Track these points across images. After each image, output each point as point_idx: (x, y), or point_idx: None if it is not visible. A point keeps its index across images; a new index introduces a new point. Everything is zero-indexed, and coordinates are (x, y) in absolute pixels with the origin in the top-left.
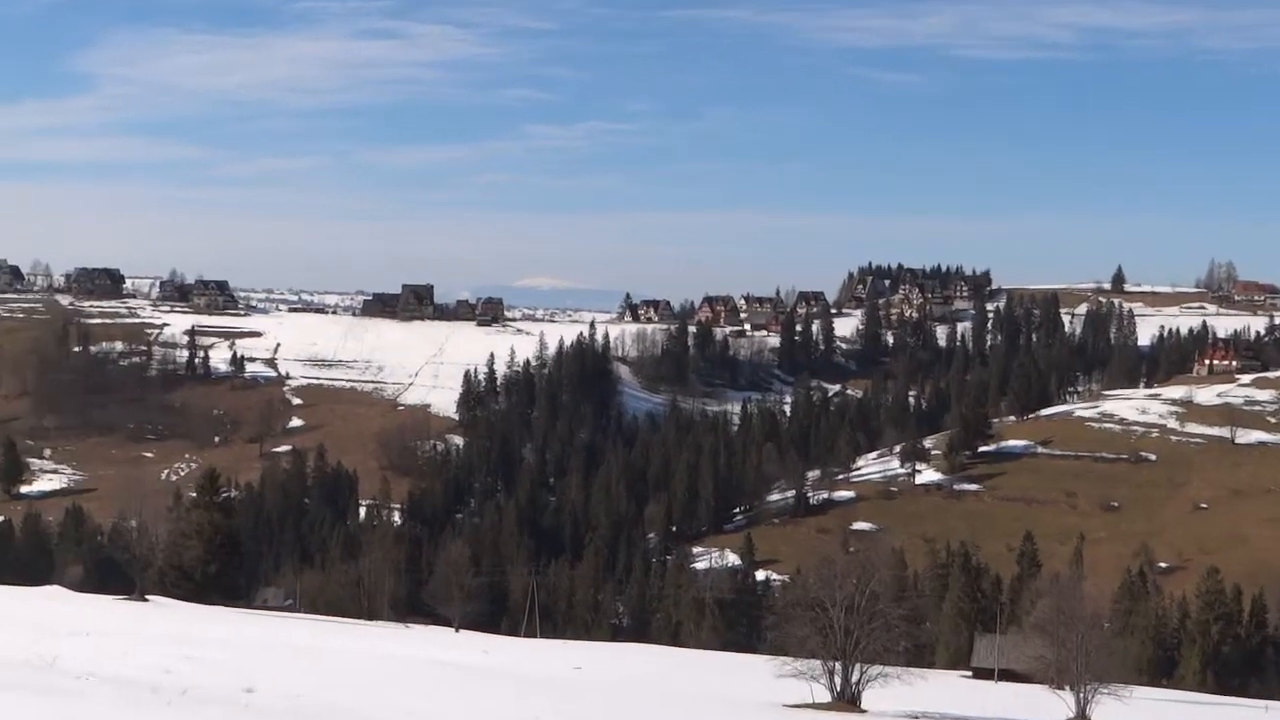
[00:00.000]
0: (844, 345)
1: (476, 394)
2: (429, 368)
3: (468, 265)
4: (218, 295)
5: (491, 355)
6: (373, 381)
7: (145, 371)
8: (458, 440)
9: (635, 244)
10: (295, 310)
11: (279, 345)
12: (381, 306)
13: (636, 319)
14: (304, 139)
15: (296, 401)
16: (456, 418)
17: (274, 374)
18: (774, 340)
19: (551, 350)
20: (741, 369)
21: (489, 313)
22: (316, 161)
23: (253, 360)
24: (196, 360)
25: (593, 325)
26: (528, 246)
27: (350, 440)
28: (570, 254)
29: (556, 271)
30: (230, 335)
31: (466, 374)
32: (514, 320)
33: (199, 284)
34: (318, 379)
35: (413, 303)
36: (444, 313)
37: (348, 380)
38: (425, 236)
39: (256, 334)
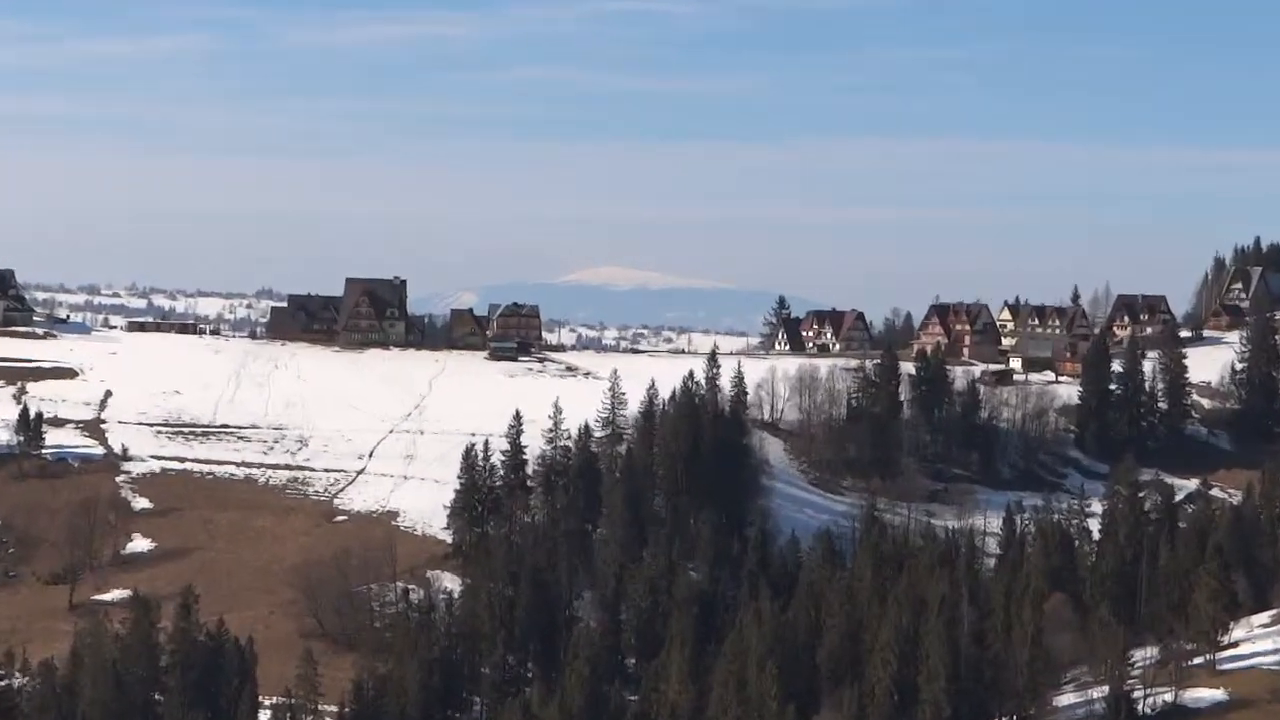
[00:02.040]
0: (1206, 401)
1: (487, 492)
2: (396, 440)
3: (471, 246)
4: None
5: (517, 417)
6: (288, 467)
7: None
8: (451, 582)
9: (792, 203)
10: (140, 328)
11: (109, 394)
12: (306, 321)
13: (798, 347)
14: (161, 3)
15: (142, 504)
16: (449, 539)
17: (99, 450)
18: (1069, 390)
19: (634, 408)
20: (1004, 446)
21: (511, 333)
22: (184, 43)
23: (60, 423)
24: None
25: (714, 358)
26: (585, 209)
27: (244, 580)
28: (667, 225)
29: (641, 258)
30: (18, 374)
31: (468, 453)
32: (561, 351)
33: None
34: (183, 460)
35: (365, 314)
36: (427, 334)
37: (239, 464)
38: (390, 191)
39: (68, 372)
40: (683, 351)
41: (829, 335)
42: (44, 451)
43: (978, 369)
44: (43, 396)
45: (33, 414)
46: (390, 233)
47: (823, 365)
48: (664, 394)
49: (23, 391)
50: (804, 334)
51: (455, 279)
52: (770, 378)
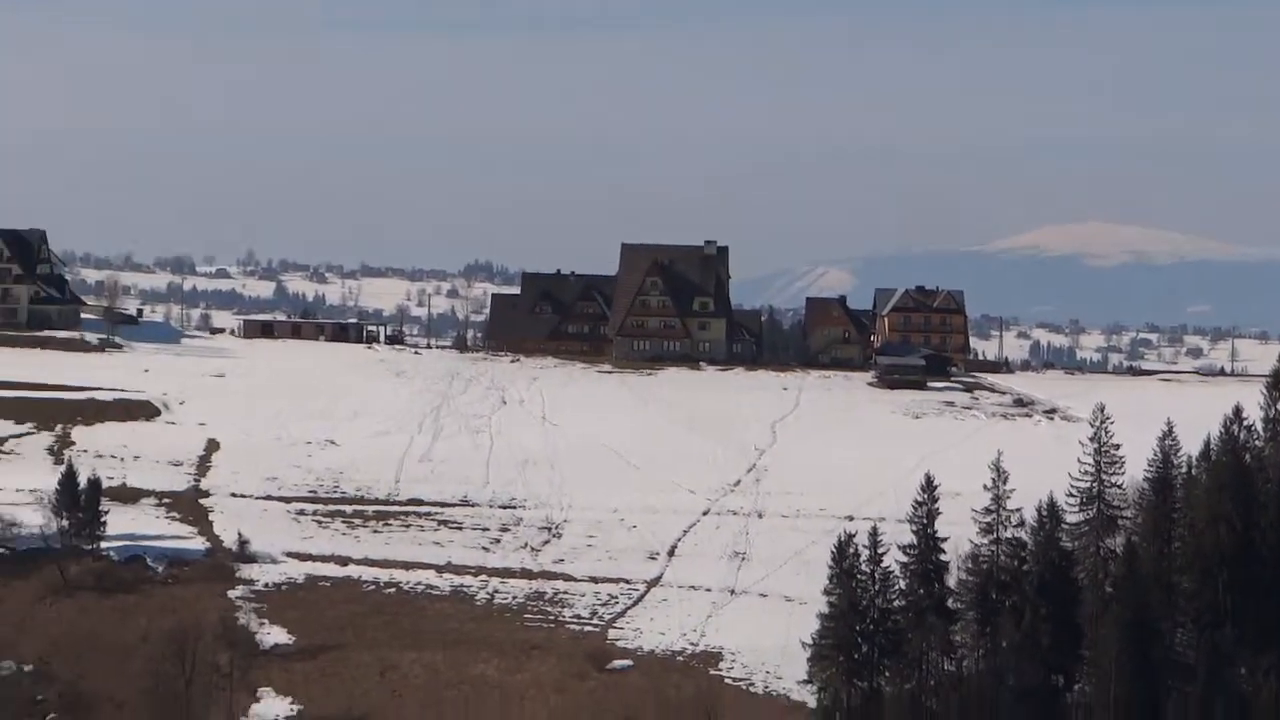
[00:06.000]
0: None
1: (878, 621)
2: (716, 527)
3: (836, 189)
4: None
5: (929, 488)
6: (528, 573)
7: None
8: None
9: None
10: (264, 332)
11: (214, 447)
12: (553, 319)
13: None
14: None
15: (276, 637)
16: (811, 702)
17: (199, 543)
18: None
19: (1135, 472)
20: None
21: (914, 339)
22: None
23: (132, 497)
24: None
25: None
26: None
27: None
28: (1183, 140)
29: (1139, 209)
30: (57, 412)
31: (843, 550)
32: (1002, 371)
33: None
34: (344, 562)
35: (656, 306)
36: (766, 341)
37: (442, 567)
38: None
39: (144, 408)
40: (1221, 372)
41: None
42: (104, 547)
43: None
44: (100, 451)
45: (83, 482)
46: (700, 172)
47: None
48: (1191, 448)
49: (65, 443)
50: None
51: (809, 247)
52: None
